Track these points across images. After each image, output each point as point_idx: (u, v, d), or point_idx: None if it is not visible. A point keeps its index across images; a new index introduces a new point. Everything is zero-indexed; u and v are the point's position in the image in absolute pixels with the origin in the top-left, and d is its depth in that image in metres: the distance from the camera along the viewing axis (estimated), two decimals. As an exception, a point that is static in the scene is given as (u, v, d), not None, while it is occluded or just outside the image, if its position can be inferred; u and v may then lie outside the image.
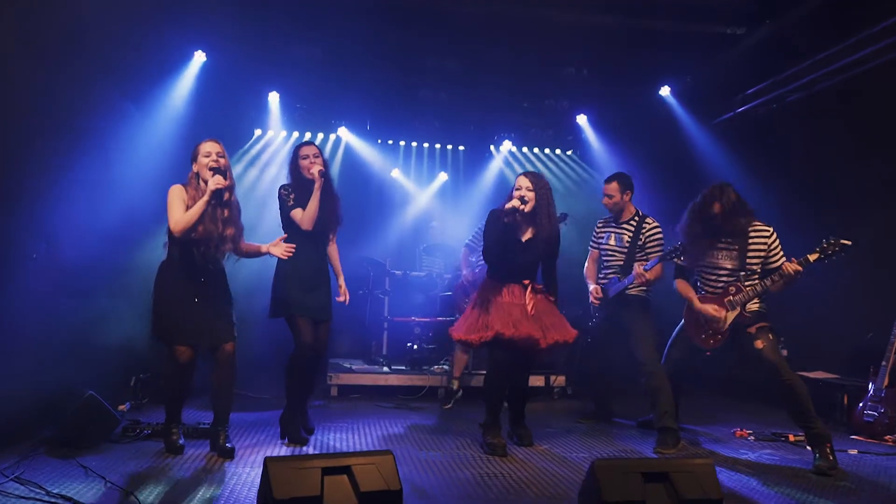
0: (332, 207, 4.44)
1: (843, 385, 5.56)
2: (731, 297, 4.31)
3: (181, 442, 3.93)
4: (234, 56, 6.35)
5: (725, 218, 4.26)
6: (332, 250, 4.59)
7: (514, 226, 4.30)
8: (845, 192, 5.88)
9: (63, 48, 4.35)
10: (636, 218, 5.02)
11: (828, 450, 4.01)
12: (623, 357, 5.15)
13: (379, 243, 7.53)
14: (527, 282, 4.36)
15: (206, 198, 3.75)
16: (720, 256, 4.38)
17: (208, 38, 6.08)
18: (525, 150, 8.35)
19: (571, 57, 6.67)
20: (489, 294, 4.38)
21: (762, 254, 4.28)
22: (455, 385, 6.04)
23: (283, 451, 4.12)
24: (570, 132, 8.02)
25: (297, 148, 4.45)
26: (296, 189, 4.35)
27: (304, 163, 4.35)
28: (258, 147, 7.58)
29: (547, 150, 8.41)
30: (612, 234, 5.07)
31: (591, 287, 5.12)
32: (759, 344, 4.20)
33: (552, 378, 6.67)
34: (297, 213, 4.27)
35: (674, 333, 4.74)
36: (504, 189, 8.16)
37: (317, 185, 4.22)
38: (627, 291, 4.88)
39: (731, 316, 4.31)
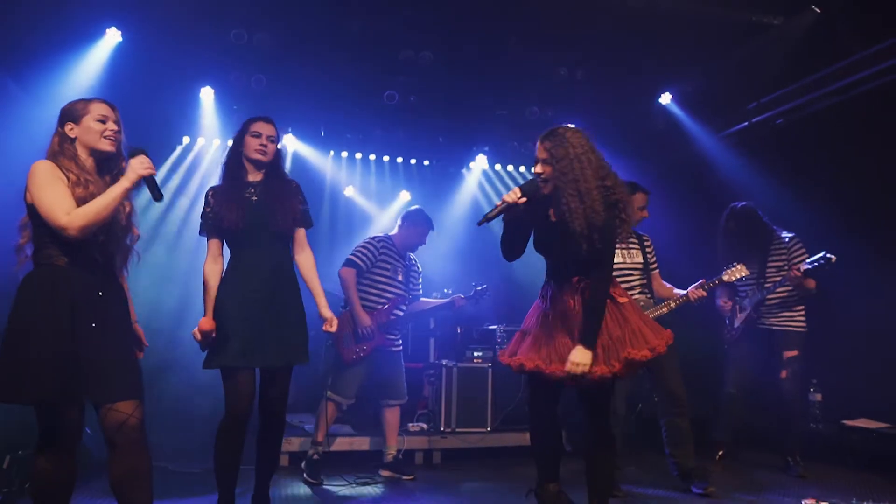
0: (287, 200, 3.26)
1: (909, 438, 4.69)
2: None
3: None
4: (157, 37, 5.07)
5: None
6: (304, 260, 3.35)
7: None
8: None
9: None
10: None
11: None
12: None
13: (333, 273, 6.24)
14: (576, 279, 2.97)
15: (127, 184, 2.51)
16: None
17: (125, 10, 4.81)
18: (498, 167, 7.28)
19: (565, 55, 5.73)
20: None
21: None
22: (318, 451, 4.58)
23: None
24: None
25: (249, 122, 3.27)
26: (221, 193, 3.21)
27: (254, 142, 3.19)
28: (189, 158, 6.20)
29: (523, 169, 7.36)
30: None
31: None
32: (784, 374, 4.71)
33: (550, 435, 5.53)
34: (210, 245, 3.23)
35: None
36: (479, 212, 7.24)
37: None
38: None
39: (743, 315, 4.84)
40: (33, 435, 3.75)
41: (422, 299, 4.96)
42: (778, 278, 4.69)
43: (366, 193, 7.06)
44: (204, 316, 3.12)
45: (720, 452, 4.97)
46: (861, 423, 5.10)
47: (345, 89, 5.99)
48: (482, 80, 5.93)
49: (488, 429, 5.35)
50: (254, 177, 3.27)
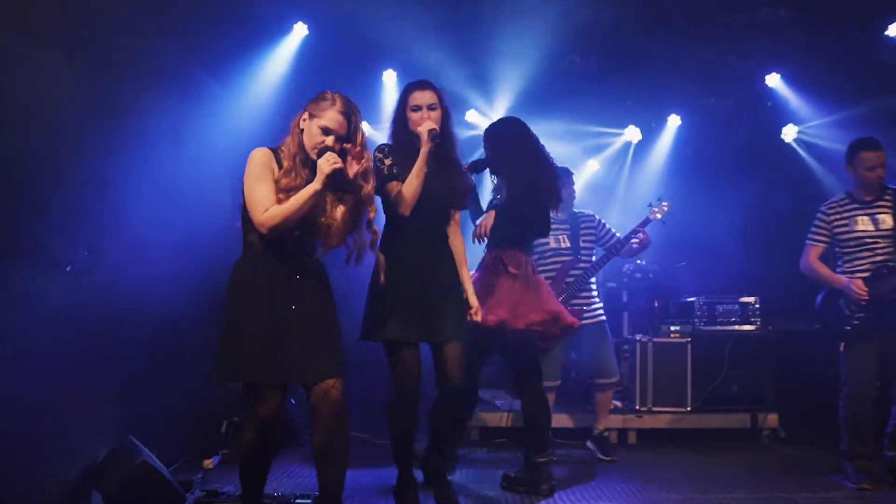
0: (452, 179, 3.16)
1: None
2: None
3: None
4: (341, 26, 5.25)
5: None
6: (456, 245, 3.26)
7: None
8: None
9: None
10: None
11: None
12: None
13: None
14: None
15: (317, 185, 2.51)
16: None
17: (312, 4, 5.03)
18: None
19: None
20: None
21: None
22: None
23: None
24: (755, 99, 6.29)
25: (406, 92, 3.18)
26: (395, 151, 3.11)
27: (414, 116, 3.09)
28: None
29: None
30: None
31: None
32: None
33: (761, 417, 5.04)
34: (393, 187, 3.05)
35: None
36: (668, 178, 6.79)
37: (423, 150, 2.95)
38: None
39: None
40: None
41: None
42: None
43: (553, 165, 6.85)
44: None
45: None
46: None
47: (526, 59, 5.82)
48: (669, 31, 5.46)
49: (688, 408, 5.00)
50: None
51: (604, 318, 4.63)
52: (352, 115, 2.65)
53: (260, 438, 2.63)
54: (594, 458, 4.47)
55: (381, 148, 3.16)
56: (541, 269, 4.54)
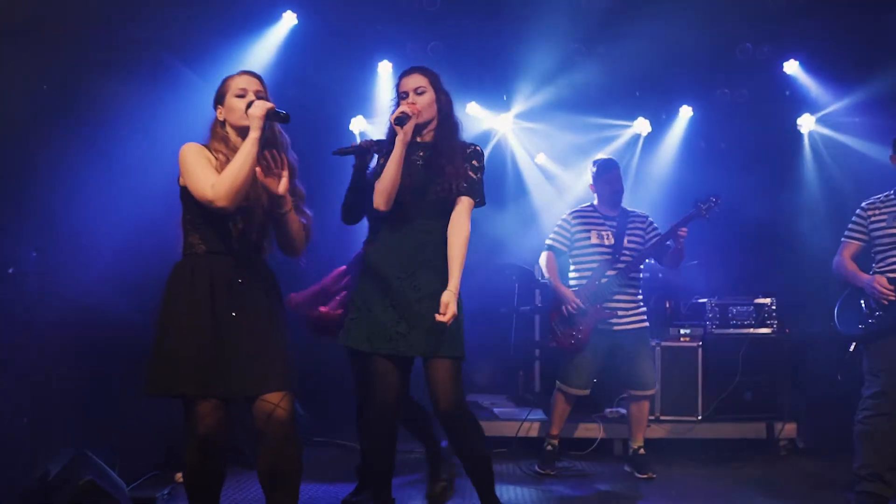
0: (451, 162, 2.80)
1: None
2: None
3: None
4: (333, 15, 5.03)
5: None
6: (457, 230, 2.79)
7: None
8: None
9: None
10: None
11: None
12: None
13: (524, 245, 5.90)
14: None
15: (254, 133, 2.34)
16: None
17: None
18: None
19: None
20: None
21: None
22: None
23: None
24: (772, 87, 5.97)
25: (396, 82, 2.91)
26: (385, 144, 2.86)
27: (403, 105, 2.83)
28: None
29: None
30: None
31: None
32: None
33: (777, 427, 4.75)
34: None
35: None
36: (679, 172, 6.50)
37: (397, 139, 2.69)
38: None
39: None
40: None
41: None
42: None
43: (559, 160, 6.59)
44: None
45: None
46: None
47: (525, 49, 5.55)
48: (680, 17, 5.17)
49: (699, 417, 4.76)
50: (422, 137, 2.87)
51: (646, 324, 4.32)
52: (256, 75, 2.56)
53: (203, 460, 2.39)
54: (632, 477, 4.15)
55: (378, 148, 2.94)
56: (579, 264, 4.31)
